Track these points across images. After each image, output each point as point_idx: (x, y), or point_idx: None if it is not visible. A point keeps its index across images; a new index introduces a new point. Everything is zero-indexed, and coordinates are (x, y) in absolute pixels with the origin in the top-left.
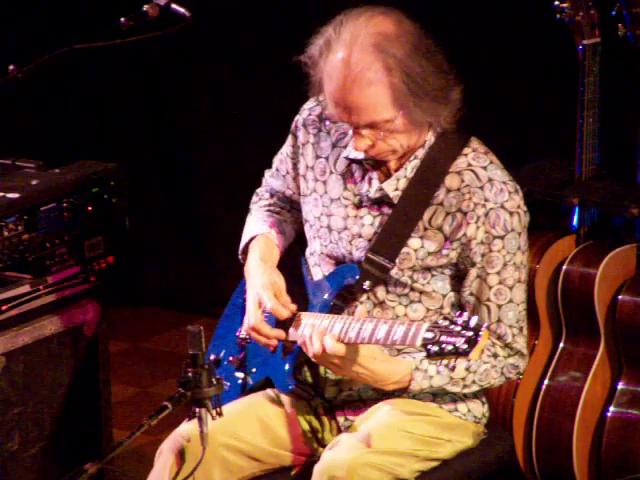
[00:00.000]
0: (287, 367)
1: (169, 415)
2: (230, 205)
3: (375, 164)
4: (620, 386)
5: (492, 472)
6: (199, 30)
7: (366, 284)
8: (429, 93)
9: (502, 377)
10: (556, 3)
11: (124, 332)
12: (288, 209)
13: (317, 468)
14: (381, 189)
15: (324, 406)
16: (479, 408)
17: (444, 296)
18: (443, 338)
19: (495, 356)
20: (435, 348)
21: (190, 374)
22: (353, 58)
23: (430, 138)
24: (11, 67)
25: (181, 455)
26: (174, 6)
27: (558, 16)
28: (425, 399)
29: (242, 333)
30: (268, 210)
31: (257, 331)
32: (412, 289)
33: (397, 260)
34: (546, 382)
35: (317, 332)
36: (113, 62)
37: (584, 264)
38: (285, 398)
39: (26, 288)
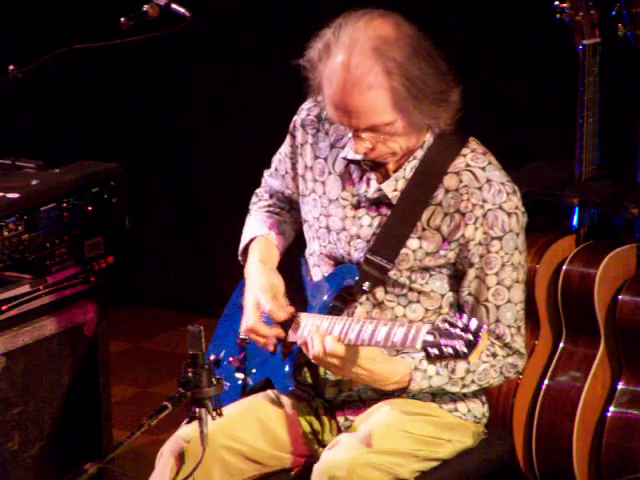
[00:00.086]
0: (287, 368)
1: (169, 415)
2: (230, 205)
3: (373, 165)
4: (620, 386)
5: (492, 472)
6: (199, 30)
7: (365, 285)
8: (429, 96)
9: (501, 376)
10: (556, 3)
11: (124, 332)
12: (287, 209)
13: (317, 468)
14: (379, 190)
15: (324, 406)
16: (479, 408)
17: (442, 296)
18: (443, 341)
19: (494, 356)
20: (435, 351)
21: (190, 374)
22: (353, 62)
23: (429, 139)
24: (11, 67)
25: (181, 457)
26: (174, 6)
27: (558, 16)
28: (425, 399)
29: (241, 334)
30: (268, 211)
31: (255, 332)
32: (410, 289)
33: (396, 261)
34: (546, 382)
35: (318, 333)
36: (113, 62)
37: (584, 264)
38: (285, 399)
39: (26, 288)
